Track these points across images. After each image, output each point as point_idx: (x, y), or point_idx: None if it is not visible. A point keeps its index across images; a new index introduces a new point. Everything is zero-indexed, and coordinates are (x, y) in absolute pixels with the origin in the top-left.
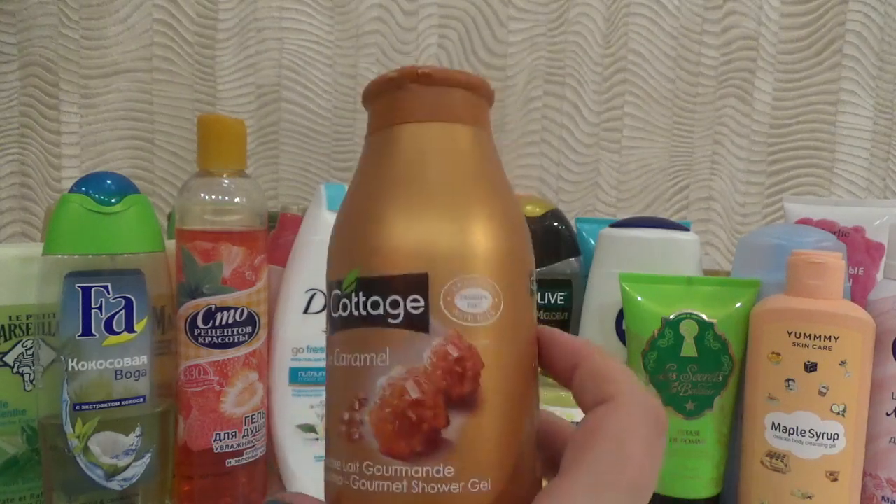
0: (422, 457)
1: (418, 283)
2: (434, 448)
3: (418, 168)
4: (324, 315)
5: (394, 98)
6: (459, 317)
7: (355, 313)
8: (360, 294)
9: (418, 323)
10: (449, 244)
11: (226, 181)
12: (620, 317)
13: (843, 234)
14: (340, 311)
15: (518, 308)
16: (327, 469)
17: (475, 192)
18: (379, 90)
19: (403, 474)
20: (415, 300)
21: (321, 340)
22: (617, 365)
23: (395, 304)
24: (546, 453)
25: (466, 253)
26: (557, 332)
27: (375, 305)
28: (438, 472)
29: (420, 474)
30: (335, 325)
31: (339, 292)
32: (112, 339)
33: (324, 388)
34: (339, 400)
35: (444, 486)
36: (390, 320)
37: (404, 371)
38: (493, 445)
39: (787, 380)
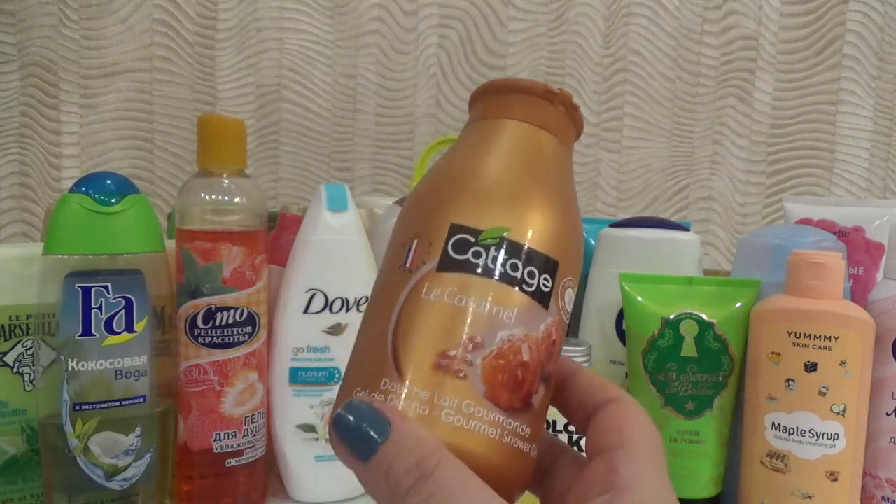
0: (516, 413)
1: (552, 267)
2: (525, 408)
3: (558, 175)
4: (322, 315)
5: (547, 107)
6: (562, 308)
7: (490, 266)
8: (503, 251)
9: (544, 299)
10: (574, 246)
11: (226, 181)
12: (620, 317)
13: (843, 234)
14: (469, 256)
15: None
16: (394, 394)
17: (578, 214)
18: (536, 92)
19: (499, 423)
20: (546, 279)
21: (321, 340)
22: (601, 377)
23: (532, 275)
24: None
25: (577, 258)
26: None
27: (514, 267)
28: (523, 430)
29: (511, 427)
30: (451, 265)
31: (470, 238)
32: (112, 339)
33: (323, 387)
34: (443, 335)
35: (523, 443)
36: (525, 286)
37: (523, 334)
38: (544, 420)
39: (787, 380)
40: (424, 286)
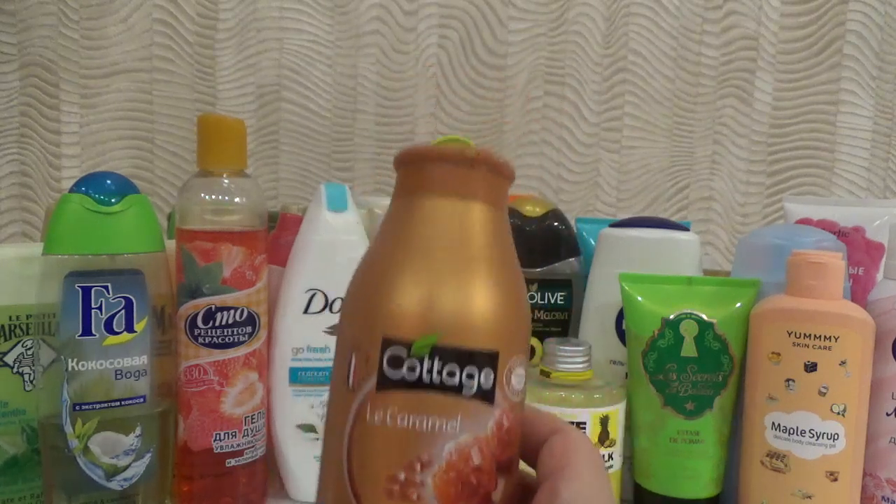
0: None
1: (492, 359)
2: None
3: (487, 248)
4: (322, 315)
5: (467, 174)
6: (511, 392)
7: (426, 378)
8: (436, 360)
9: (488, 396)
10: (513, 326)
11: (226, 181)
12: (620, 317)
13: (843, 234)
14: (405, 373)
15: None
16: None
17: (519, 276)
18: (454, 160)
19: None
20: (487, 374)
21: (321, 340)
22: (544, 411)
23: (471, 376)
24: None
25: (521, 335)
26: None
27: (451, 374)
28: None
29: None
30: (389, 384)
31: (403, 353)
32: (112, 339)
33: (323, 387)
34: (391, 459)
35: None
36: (465, 391)
37: (471, 438)
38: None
39: (787, 380)
40: (367, 409)
